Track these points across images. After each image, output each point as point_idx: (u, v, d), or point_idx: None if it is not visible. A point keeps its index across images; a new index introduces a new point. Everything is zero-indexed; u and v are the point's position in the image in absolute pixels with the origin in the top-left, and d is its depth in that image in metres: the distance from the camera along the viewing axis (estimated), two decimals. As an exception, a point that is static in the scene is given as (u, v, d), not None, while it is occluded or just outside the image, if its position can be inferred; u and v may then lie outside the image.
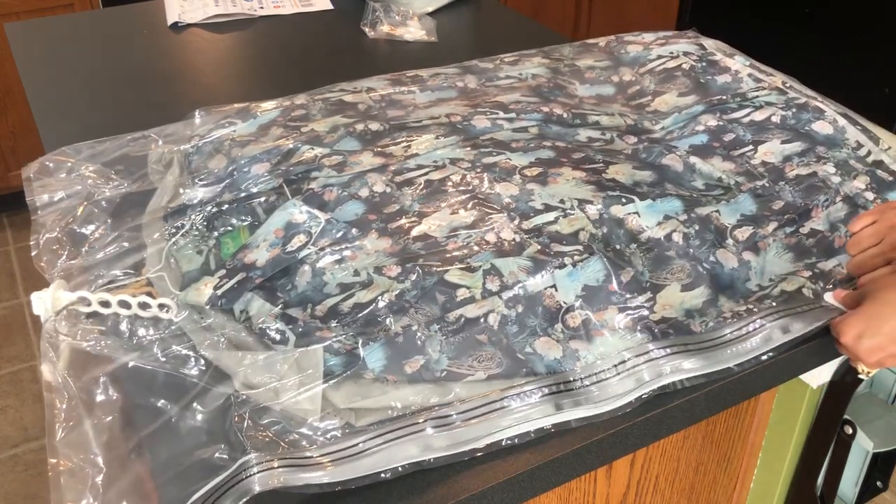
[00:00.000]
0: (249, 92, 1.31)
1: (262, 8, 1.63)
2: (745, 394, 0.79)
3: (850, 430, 0.91)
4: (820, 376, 0.85)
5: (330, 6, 1.66)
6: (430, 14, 1.60)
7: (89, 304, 0.78)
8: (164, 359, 0.74)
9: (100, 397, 0.71)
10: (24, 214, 2.72)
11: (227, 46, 1.50)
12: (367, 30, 1.52)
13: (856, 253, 0.82)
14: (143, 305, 0.78)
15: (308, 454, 0.64)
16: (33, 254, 0.87)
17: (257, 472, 0.62)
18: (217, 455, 0.65)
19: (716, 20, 2.59)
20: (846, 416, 0.90)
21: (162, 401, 0.70)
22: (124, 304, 0.78)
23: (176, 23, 1.54)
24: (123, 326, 0.78)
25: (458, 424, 0.67)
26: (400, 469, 0.64)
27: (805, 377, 0.85)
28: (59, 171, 0.99)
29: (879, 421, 0.94)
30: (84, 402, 0.70)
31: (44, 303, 0.78)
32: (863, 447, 0.93)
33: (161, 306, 0.78)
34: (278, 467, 0.63)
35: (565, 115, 1.07)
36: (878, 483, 0.98)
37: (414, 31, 1.51)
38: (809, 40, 2.29)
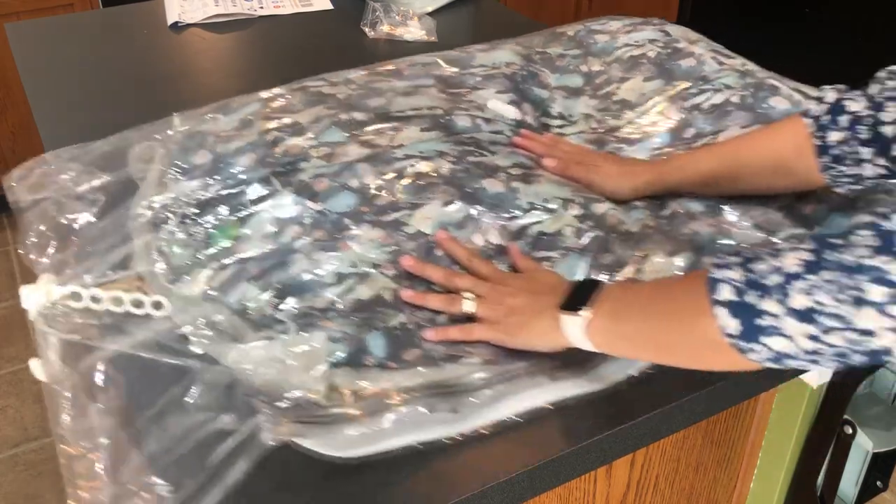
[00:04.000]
0: (250, 92, 1.31)
1: (262, 8, 1.63)
2: (745, 394, 0.79)
3: (850, 430, 0.91)
4: (820, 376, 0.85)
5: (330, 6, 1.66)
6: (430, 14, 1.60)
7: (80, 299, 0.78)
8: (161, 349, 0.74)
9: (99, 386, 0.71)
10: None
11: (226, 46, 1.50)
12: (367, 30, 1.52)
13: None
14: (136, 303, 0.78)
15: (319, 413, 0.67)
16: (20, 251, 0.87)
17: (267, 428, 0.65)
18: (226, 424, 0.67)
19: (716, 20, 2.59)
20: (846, 416, 0.90)
21: (162, 385, 0.71)
22: (116, 301, 0.78)
23: (176, 23, 1.54)
24: (118, 319, 0.78)
25: (462, 403, 0.69)
26: (419, 446, 0.66)
27: (805, 377, 0.85)
28: (39, 172, 0.99)
29: (879, 421, 0.94)
30: (85, 390, 0.70)
31: (34, 296, 0.77)
32: (863, 447, 0.93)
33: (155, 304, 0.78)
34: (290, 423, 0.65)
35: (535, 125, 1.09)
36: (878, 483, 0.98)
37: (414, 31, 1.51)
38: (809, 40, 2.30)
